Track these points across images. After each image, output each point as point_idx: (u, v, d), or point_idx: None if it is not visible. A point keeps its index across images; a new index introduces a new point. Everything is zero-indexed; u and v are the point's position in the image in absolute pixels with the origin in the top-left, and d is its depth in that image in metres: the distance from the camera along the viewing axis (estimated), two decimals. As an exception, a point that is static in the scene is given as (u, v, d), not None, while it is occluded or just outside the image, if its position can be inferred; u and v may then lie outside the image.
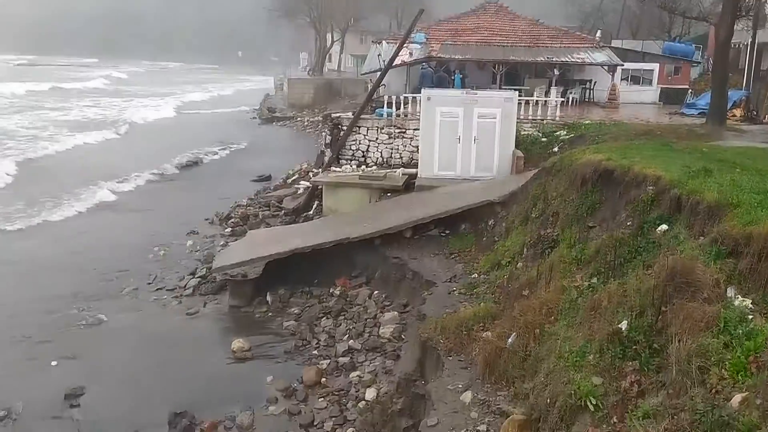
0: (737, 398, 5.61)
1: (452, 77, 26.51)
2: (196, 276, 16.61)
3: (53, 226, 21.65)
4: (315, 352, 12.72)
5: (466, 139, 17.91)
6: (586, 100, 28.94)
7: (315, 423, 10.17)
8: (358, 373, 11.53)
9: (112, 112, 54.91)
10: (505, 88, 23.54)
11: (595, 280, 9.28)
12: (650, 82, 30.79)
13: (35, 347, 13.03)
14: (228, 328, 14.20)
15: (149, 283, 16.37)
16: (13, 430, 10.19)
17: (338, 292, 14.93)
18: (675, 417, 5.94)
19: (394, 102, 20.74)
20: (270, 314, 14.63)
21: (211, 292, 15.73)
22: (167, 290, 15.97)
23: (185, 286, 16.08)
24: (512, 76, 27.80)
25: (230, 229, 20.72)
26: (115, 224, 22.27)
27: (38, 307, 14.81)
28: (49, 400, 10.99)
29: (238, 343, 12.93)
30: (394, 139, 20.62)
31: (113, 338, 13.47)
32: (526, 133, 19.92)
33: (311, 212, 20.32)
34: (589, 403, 6.87)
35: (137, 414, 10.59)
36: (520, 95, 19.69)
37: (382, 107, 21.21)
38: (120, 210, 24.18)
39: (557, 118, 20.94)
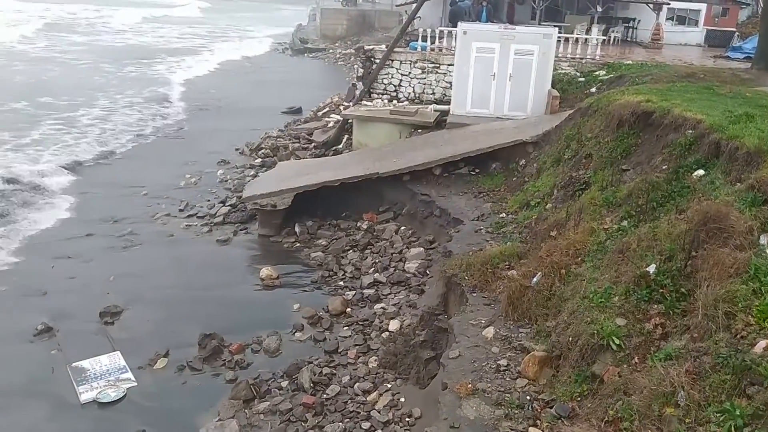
0: (762, 344, 5.59)
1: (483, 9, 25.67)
2: (226, 204, 16.85)
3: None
4: (341, 283, 12.94)
5: (501, 77, 17.50)
6: (629, 39, 27.96)
7: (339, 350, 10.43)
8: (382, 305, 11.73)
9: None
10: (545, 25, 22.78)
11: (625, 223, 9.18)
12: (696, 23, 29.54)
13: (75, 267, 13.48)
14: (257, 256, 14.48)
15: (181, 210, 16.68)
16: (52, 345, 10.65)
17: (365, 226, 15.04)
18: (697, 360, 5.96)
19: (428, 35, 20.24)
20: (298, 245, 14.84)
21: (240, 221, 15.97)
22: (198, 217, 16.26)
23: (216, 214, 16.34)
24: (553, 12, 26.86)
25: (260, 159, 20.84)
26: (147, 151, 22.60)
27: (78, 230, 15.27)
28: (85, 318, 11.44)
29: (266, 271, 13.21)
30: (428, 74, 20.24)
31: (147, 262, 13.86)
32: (563, 72, 19.38)
33: (341, 146, 20.26)
34: (611, 343, 6.92)
35: (168, 334, 10.99)
36: (559, 32, 19.04)
37: (416, 41, 20.74)
38: (152, 137, 24.46)
39: (597, 58, 20.29)
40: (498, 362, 7.66)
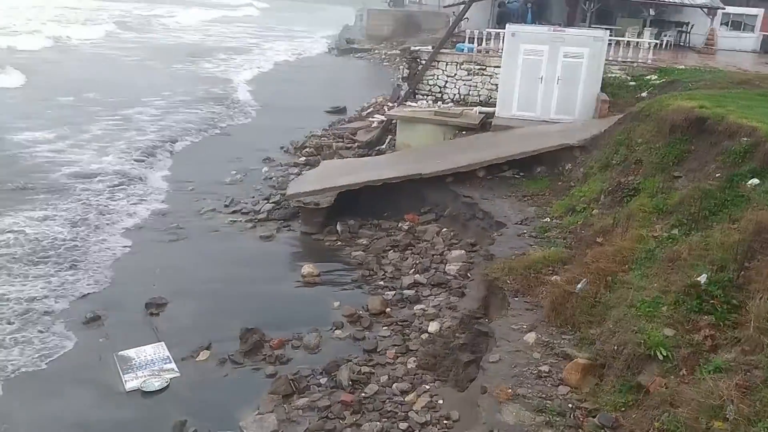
0: (819, 360, 5.39)
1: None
2: (270, 201, 17.04)
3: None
4: (381, 282, 12.94)
5: (548, 79, 17.29)
6: (681, 44, 27.28)
7: (378, 350, 10.43)
8: (422, 306, 11.69)
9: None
10: (595, 27, 22.40)
11: (675, 231, 8.97)
12: (752, 29, 28.63)
13: (123, 257, 13.84)
14: (298, 253, 14.60)
15: (226, 206, 16.92)
16: (100, 333, 10.95)
17: (406, 227, 15.02)
18: (748, 373, 5.79)
19: (476, 37, 20.13)
20: (339, 243, 14.91)
21: (283, 218, 16.13)
22: (242, 213, 16.48)
23: (260, 210, 16.54)
24: (604, 14, 26.39)
25: (304, 158, 21.01)
26: (196, 148, 23.06)
27: (129, 222, 15.71)
28: (132, 308, 11.73)
29: (308, 268, 13.31)
30: (473, 75, 20.11)
31: (192, 255, 14.13)
32: (613, 75, 19.03)
33: (384, 146, 20.31)
34: (658, 354, 6.77)
35: (211, 327, 11.15)
36: (610, 35, 18.70)
37: (463, 42, 20.64)
38: (201, 135, 24.93)
39: (649, 62, 19.87)
40: (539, 368, 7.56)
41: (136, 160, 20.56)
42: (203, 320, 11.46)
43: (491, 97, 19.62)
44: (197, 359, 10.29)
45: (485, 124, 18.04)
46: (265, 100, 31.59)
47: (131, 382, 9.60)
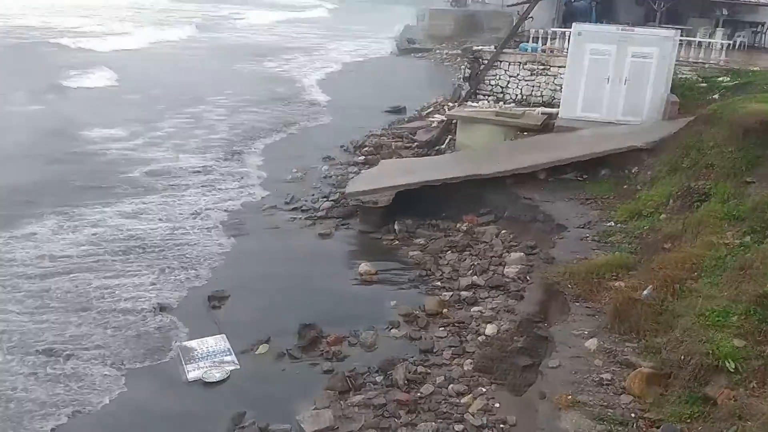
0: None
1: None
2: (329, 199, 17.20)
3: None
4: (438, 283, 12.88)
5: (615, 80, 16.85)
6: (756, 45, 26.10)
7: (434, 350, 10.38)
8: (479, 308, 11.57)
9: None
10: (665, 27, 21.68)
11: (748, 238, 8.61)
12: (833, 29, 27.10)
13: (187, 250, 14.27)
14: (356, 251, 14.69)
15: (286, 203, 17.20)
16: (164, 322, 11.33)
17: (465, 228, 14.90)
18: (826, 390, 5.48)
19: (540, 36, 19.81)
20: (396, 242, 14.92)
21: (342, 216, 16.25)
22: (302, 210, 16.70)
23: (319, 208, 16.72)
24: (674, 14, 25.52)
25: (363, 157, 21.11)
26: (264, 147, 23.50)
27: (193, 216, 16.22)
28: (195, 300, 12.09)
29: (365, 266, 13.38)
30: (537, 75, 19.79)
31: (252, 250, 14.43)
32: (683, 76, 18.38)
33: (443, 146, 20.21)
34: (727, 365, 6.50)
35: (270, 321, 11.35)
36: (681, 35, 18.07)
37: (527, 42, 20.34)
38: (264, 132, 25.39)
39: (721, 63, 19.09)
40: (601, 375, 7.37)
41: (211, 158, 21.15)
42: (262, 314, 11.67)
43: (554, 98, 19.27)
44: (256, 352, 10.49)
45: (547, 125, 17.72)
46: (325, 99, 31.92)
47: (193, 373, 9.87)
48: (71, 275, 12.70)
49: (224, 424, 8.72)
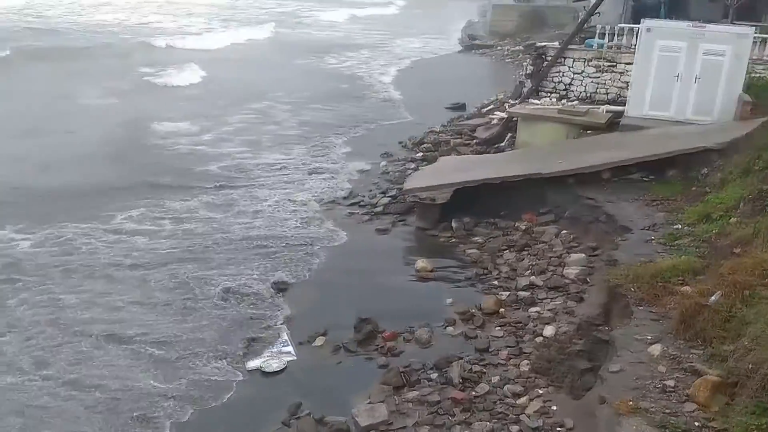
0: None
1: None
2: (387, 195, 17.27)
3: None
4: (495, 282, 12.75)
5: (685, 78, 16.25)
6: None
7: (490, 349, 10.29)
8: (537, 308, 11.39)
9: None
10: (738, 24, 20.77)
11: (826, 245, 8.16)
12: None
13: (250, 237, 14.66)
14: (413, 247, 14.70)
15: (345, 198, 17.38)
16: (231, 308, 11.67)
17: (524, 227, 14.69)
18: None
19: (607, 32, 19.29)
20: (454, 240, 14.85)
21: (399, 212, 16.28)
22: (360, 206, 16.84)
23: (376, 204, 16.81)
24: (747, 10, 24.39)
25: (421, 153, 21.08)
26: (320, 140, 23.77)
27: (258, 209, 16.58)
28: (257, 288, 12.45)
29: (421, 263, 13.37)
30: (602, 72, 19.28)
31: (315, 244, 14.65)
32: (758, 75, 17.54)
33: (503, 144, 19.97)
34: (800, 377, 6.19)
35: (327, 315, 11.53)
36: (756, 32, 17.27)
37: (593, 38, 19.85)
38: (323, 127, 25.68)
39: (800, 61, 18.15)
40: (664, 382, 7.15)
41: (281, 154, 21.62)
42: (320, 307, 11.86)
43: (620, 96, 18.74)
44: (313, 345, 10.65)
45: (613, 124, 17.26)
46: (385, 96, 32.00)
47: (252, 362, 10.11)
48: (167, 266, 13.18)
49: (281, 414, 8.89)
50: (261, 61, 41.33)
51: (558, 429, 8.01)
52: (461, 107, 28.03)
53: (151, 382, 9.62)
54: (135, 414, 8.93)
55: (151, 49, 41.98)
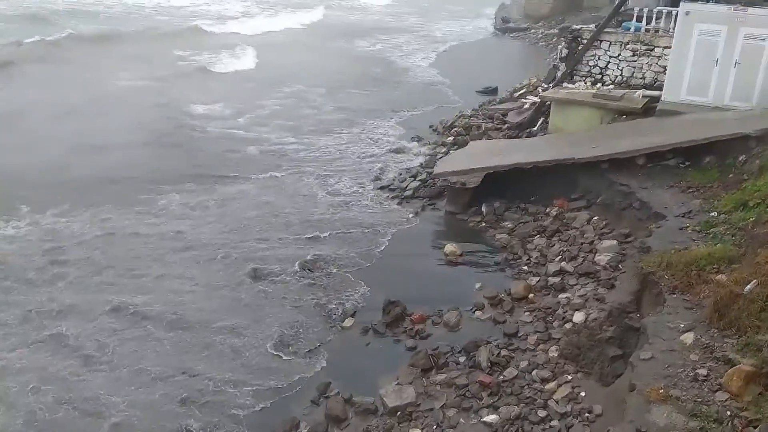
0: None
1: None
2: (417, 179, 17.24)
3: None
4: (525, 267, 12.71)
5: (724, 62, 15.81)
6: None
7: (519, 334, 10.28)
8: (567, 295, 11.31)
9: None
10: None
11: None
12: None
13: (282, 217, 14.89)
14: (442, 232, 14.70)
15: (374, 180, 17.40)
16: (260, 288, 11.85)
17: (555, 213, 14.56)
18: None
19: (644, 15, 18.85)
20: (483, 225, 14.80)
21: (429, 196, 16.27)
22: (389, 189, 16.86)
23: (406, 187, 16.80)
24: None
25: (452, 137, 20.96)
26: (348, 126, 23.78)
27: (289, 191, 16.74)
28: (285, 268, 12.60)
29: (450, 247, 13.36)
30: (639, 56, 18.85)
31: (338, 223, 14.79)
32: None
33: (535, 128, 19.73)
34: (838, 369, 6.06)
35: (356, 295, 11.65)
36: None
37: (630, 21, 19.40)
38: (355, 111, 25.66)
39: None
40: (696, 371, 7.06)
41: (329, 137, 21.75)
42: (348, 288, 11.95)
43: (657, 80, 18.32)
44: (342, 325, 10.75)
45: (649, 109, 16.91)
46: (420, 80, 31.77)
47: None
48: (219, 248, 13.40)
49: (310, 393, 9.02)
50: (311, 45, 40.73)
51: (587, 415, 7.98)
52: (493, 91, 27.73)
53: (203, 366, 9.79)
54: (182, 396, 9.10)
55: (199, 34, 41.70)
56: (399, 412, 8.54)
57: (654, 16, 18.97)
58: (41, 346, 10.03)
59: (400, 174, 17.89)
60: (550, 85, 20.54)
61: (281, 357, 9.98)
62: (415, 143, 20.80)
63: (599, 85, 19.12)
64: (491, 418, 8.22)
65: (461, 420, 8.34)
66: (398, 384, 9.06)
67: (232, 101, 25.57)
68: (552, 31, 40.53)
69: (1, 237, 13.60)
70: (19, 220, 14.30)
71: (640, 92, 17.85)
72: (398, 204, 16.15)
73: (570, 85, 19.37)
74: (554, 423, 7.98)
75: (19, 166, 16.95)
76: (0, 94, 24.55)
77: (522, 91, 24.70)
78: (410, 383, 9.06)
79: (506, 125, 21.17)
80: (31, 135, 19.77)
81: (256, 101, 25.93)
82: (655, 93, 17.41)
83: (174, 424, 8.54)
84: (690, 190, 12.92)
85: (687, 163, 14.05)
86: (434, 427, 8.24)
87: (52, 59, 30.70)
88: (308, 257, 12.97)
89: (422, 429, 8.18)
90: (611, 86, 18.87)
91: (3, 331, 10.30)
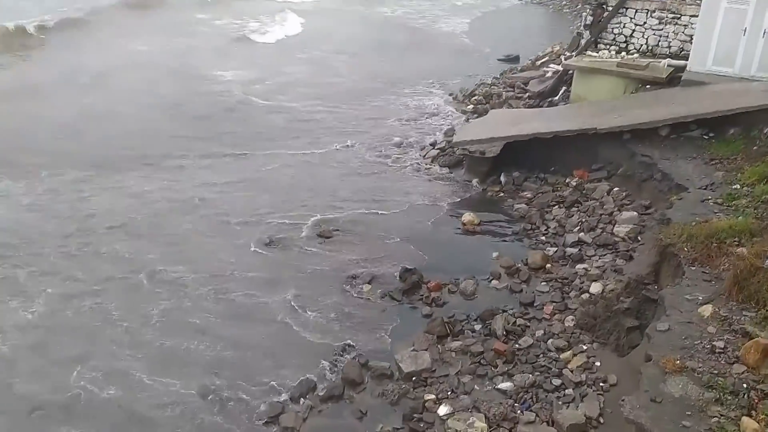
0: None
1: None
2: (436, 147, 17.14)
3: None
4: (543, 237, 12.67)
5: (753, 32, 15.38)
6: None
7: (535, 304, 10.31)
8: (585, 265, 11.29)
9: None
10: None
11: None
12: None
13: (303, 184, 15.03)
14: (460, 200, 14.65)
15: (395, 146, 17.38)
16: (278, 253, 11.97)
17: (574, 183, 14.43)
18: None
19: (672, -18, 18.35)
20: (502, 194, 14.75)
21: (448, 165, 16.19)
22: (410, 156, 16.82)
23: (425, 155, 16.73)
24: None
25: (472, 106, 20.79)
26: (365, 95, 23.60)
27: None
28: (305, 235, 12.72)
29: (468, 216, 13.34)
30: (665, 24, 18.40)
31: (357, 192, 14.78)
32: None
33: (557, 97, 19.46)
34: None
35: (372, 263, 11.68)
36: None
37: (657, -12, 18.91)
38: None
39: None
40: (713, 343, 7.05)
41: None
42: (365, 255, 12.00)
43: (683, 50, 17.90)
44: (359, 292, 10.83)
45: (674, 79, 16.56)
46: (441, 48, 31.32)
47: (300, 305, 10.38)
48: (242, 214, 13.56)
49: (327, 357, 9.14)
50: (351, 12, 40.15)
51: (601, 384, 8.04)
52: (514, 59, 27.32)
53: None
54: (209, 358, 9.28)
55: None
56: (414, 378, 8.65)
57: (683, -18, 18.47)
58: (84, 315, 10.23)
59: (421, 142, 17.80)
60: (574, 53, 20.18)
61: (299, 320, 10.10)
62: (436, 111, 20.65)
63: (624, 53, 18.74)
64: (506, 385, 8.29)
65: (476, 387, 8.43)
66: (414, 350, 9.15)
67: (267, 69, 25.50)
68: (577, -3, 39.64)
69: (21, 203, 13.84)
70: (40, 183, 14.51)
71: (665, 61, 17.48)
72: (417, 171, 16.11)
73: (594, 54, 19.01)
74: (568, 391, 8.05)
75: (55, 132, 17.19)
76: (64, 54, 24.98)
77: (544, 59, 24.31)
78: (426, 350, 9.15)
79: (527, 94, 20.91)
80: (66, 100, 20.12)
81: (281, 68, 25.82)
82: (681, 63, 17.04)
83: (200, 382, 8.71)
84: (713, 162, 12.72)
85: (711, 135, 13.81)
86: (449, 393, 8.33)
87: (96, 25, 30.82)
88: (326, 224, 13.03)
89: (437, 394, 8.28)
90: (636, 55, 18.49)
91: (42, 302, 10.47)
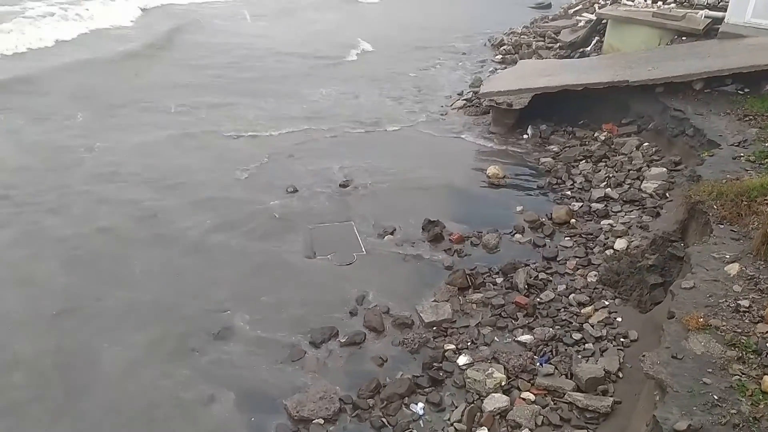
0: None
1: None
2: (462, 98, 16.90)
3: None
4: (568, 192, 12.52)
5: (799, -19, 14.75)
6: None
7: (558, 259, 10.25)
8: (610, 221, 11.16)
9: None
10: None
11: None
12: None
13: (325, 141, 14.89)
14: (485, 152, 14.49)
15: (418, 94, 17.14)
16: (297, 203, 12.02)
17: (603, 138, 14.17)
18: None
19: (715, -72, 17.56)
20: (528, 147, 14.54)
21: (474, 115, 15.98)
22: (436, 106, 16.61)
23: (451, 105, 16.50)
24: None
25: (501, 56, 20.38)
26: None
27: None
28: (326, 188, 12.69)
29: (493, 169, 13.21)
30: (705, -27, 17.74)
31: (382, 145, 14.68)
32: None
33: (589, 48, 18.98)
34: None
35: (395, 214, 11.67)
36: None
37: (699, -67, 18.11)
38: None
39: None
40: (738, 302, 6.96)
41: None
42: (388, 206, 11.99)
43: (721, 0, 17.26)
44: (381, 242, 10.87)
45: (710, 31, 16.02)
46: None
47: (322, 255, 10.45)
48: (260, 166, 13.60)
49: (350, 304, 9.24)
50: None
51: (622, 340, 8.03)
52: (546, 6, 26.62)
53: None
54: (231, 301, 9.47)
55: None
56: (435, 328, 8.73)
57: (726, -72, 17.64)
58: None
59: (445, 91, 17.55)
60: (608, 1, 19.56)
61: (318, 265, 10.19)
62: (464, 60, 20.26)
63: (660, 3, 18.12)
64: (526, 338, 8.33)
65: (495, 338, 8.48)
66: (435, 301, 9.21)
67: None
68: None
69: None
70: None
71: (702, 12, 16.87)
72: (444, 119, 15.93)
73: (629, 3, 18.42)
74: (588, 346, 8.06)
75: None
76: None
77: (578, 8, 23.64)
78: (447, 301, 9.20)
79: (558, 44, 20.44)
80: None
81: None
82: (719, 14, 16.45)
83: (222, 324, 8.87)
84: (747, 119, 12.35)
85: (746, 90, 13.40)
86: (469, 343, 8.40)
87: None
88: (346, 175, 13.00)
89: (457, 345, 8.35)
90: (672, 5, 17.88)
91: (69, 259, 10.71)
